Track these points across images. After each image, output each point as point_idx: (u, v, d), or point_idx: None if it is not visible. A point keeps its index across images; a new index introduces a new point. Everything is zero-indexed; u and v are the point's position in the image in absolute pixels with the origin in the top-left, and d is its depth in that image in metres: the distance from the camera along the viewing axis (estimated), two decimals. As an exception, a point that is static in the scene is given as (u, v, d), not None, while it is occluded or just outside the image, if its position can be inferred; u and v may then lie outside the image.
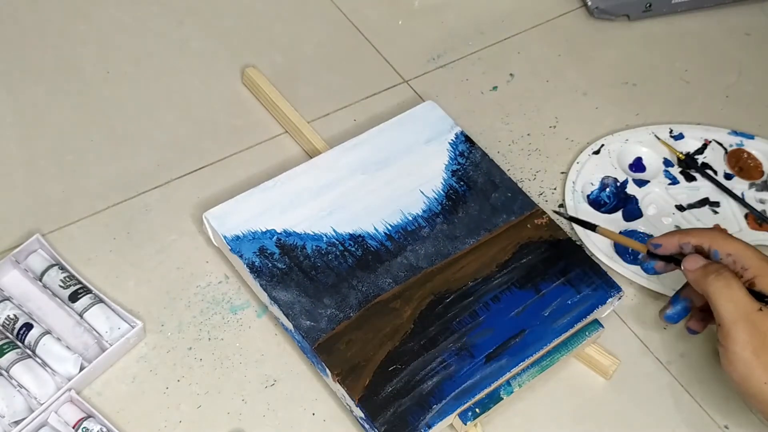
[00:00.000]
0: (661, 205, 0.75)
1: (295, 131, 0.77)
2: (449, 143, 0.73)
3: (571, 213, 0.73)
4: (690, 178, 0.77)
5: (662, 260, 0.62)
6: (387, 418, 0.58)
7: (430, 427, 0.58)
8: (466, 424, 0.59)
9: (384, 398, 0.59)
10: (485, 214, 0.69)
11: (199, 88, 0.82)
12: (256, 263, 0.64)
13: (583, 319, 0.64)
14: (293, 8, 0.90)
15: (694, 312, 0.62)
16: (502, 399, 0.61)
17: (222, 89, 0.82)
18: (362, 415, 0.59)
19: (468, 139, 0.74)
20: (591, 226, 0.65)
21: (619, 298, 0.66)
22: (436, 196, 0.70)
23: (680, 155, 0.78)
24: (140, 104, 0.80)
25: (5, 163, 0.74)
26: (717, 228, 0.59)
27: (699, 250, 0.59)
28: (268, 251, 0.65)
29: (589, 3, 0.90)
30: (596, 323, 0.65)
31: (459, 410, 0.59)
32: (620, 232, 0.72)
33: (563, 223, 0.73)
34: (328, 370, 0.60)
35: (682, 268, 0.59)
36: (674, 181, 0.77)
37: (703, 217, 0.74)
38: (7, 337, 0.62)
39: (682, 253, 0.60)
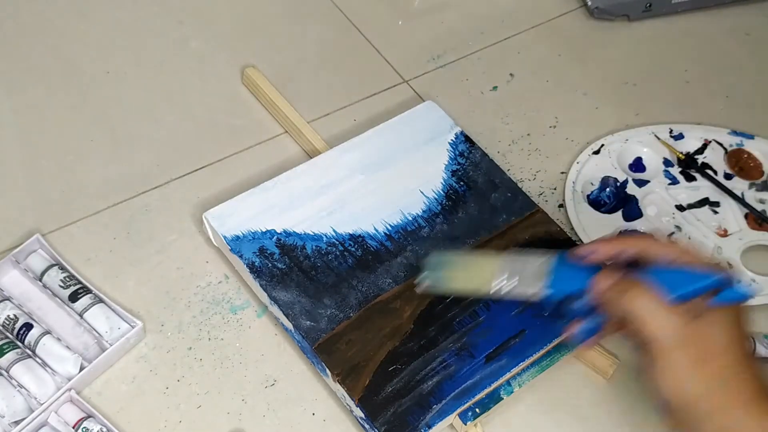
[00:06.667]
0: (661, 205, 0.75)
1: (295, 131, 0.77)
2: (449, 143, 0.73)
3: (571, 213, 0.73)
4: (690, 178, 0.77)
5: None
6: (387, 418, 0.58)
7: (430, 427, 0.58)
8: (466, 424, 0.59)
9: (384, 398, 0.59)
10: (485, 214, 0.69)
11: (199, 88, 0.82)
12: (256, 263, 0.64)
13: (583, 319, 0.64)
14: (293, 8, 0.90)
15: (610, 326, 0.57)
16: (502, 399, 0.61)
17: (222, 89, 0.82)
18: (362, 415, 0.59)
19: (468, 139, 0.74)
20: None
21: (619, 298, 0.66)
22: (436, 196, 0.70)
23: (680, 155, 0.78)
24: (140, 104, 0.80)
25: (5, 163, 0.74)
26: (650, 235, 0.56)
27: (634, 261, 0.55)
28: (268, 251, 0.65)
29: (589, 3, 0.90)
30: (596, 323, 0.65)
31: (459, 410, 0.59)
32: (620, 232, 0.72)
33: (563, 223, 0.73)
34: (328, 370, 0.60)
35: (593, 290, 0.54)
36: (674, 181, 0.76)
37: (703, 217, 0.74)
38: (7, 337, 0.62)
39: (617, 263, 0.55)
